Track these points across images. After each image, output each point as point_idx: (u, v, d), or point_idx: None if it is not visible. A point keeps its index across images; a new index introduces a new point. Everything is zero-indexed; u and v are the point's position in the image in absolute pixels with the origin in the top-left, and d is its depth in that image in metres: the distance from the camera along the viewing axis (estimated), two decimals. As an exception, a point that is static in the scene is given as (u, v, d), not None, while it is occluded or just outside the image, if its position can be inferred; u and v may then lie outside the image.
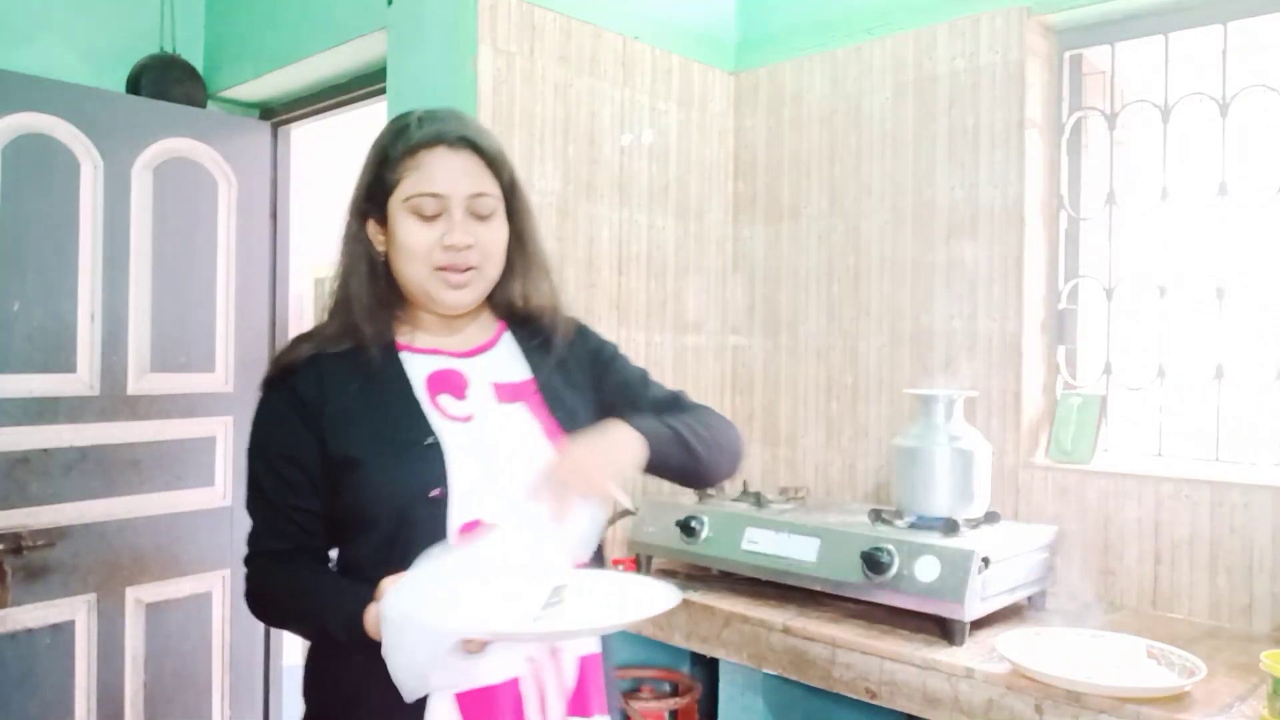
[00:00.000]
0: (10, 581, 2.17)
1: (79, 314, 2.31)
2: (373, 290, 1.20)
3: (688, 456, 1.24)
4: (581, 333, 1.37)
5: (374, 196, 1.20)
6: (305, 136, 2.87)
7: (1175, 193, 2.00)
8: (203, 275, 2.56)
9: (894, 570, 1.66)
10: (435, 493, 1.12)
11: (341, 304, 1.22)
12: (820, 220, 2.39)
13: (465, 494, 1.13)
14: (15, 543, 2.18)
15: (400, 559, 1.06)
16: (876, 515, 1.85)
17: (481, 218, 1.18)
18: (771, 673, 1.77)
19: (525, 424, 1.22)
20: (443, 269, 1.17)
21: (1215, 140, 1.94)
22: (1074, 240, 2.14)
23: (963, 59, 2.13)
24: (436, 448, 1.14)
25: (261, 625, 2.69)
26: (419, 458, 1.13)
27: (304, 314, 2.97)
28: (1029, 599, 1.80)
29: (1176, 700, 1.36)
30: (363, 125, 2.90)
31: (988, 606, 1.64)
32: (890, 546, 1.67)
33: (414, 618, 0.97)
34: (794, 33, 2.44)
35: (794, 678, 1.72)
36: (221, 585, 2.60)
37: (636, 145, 2.30)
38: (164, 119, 2.47)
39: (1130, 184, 2.09)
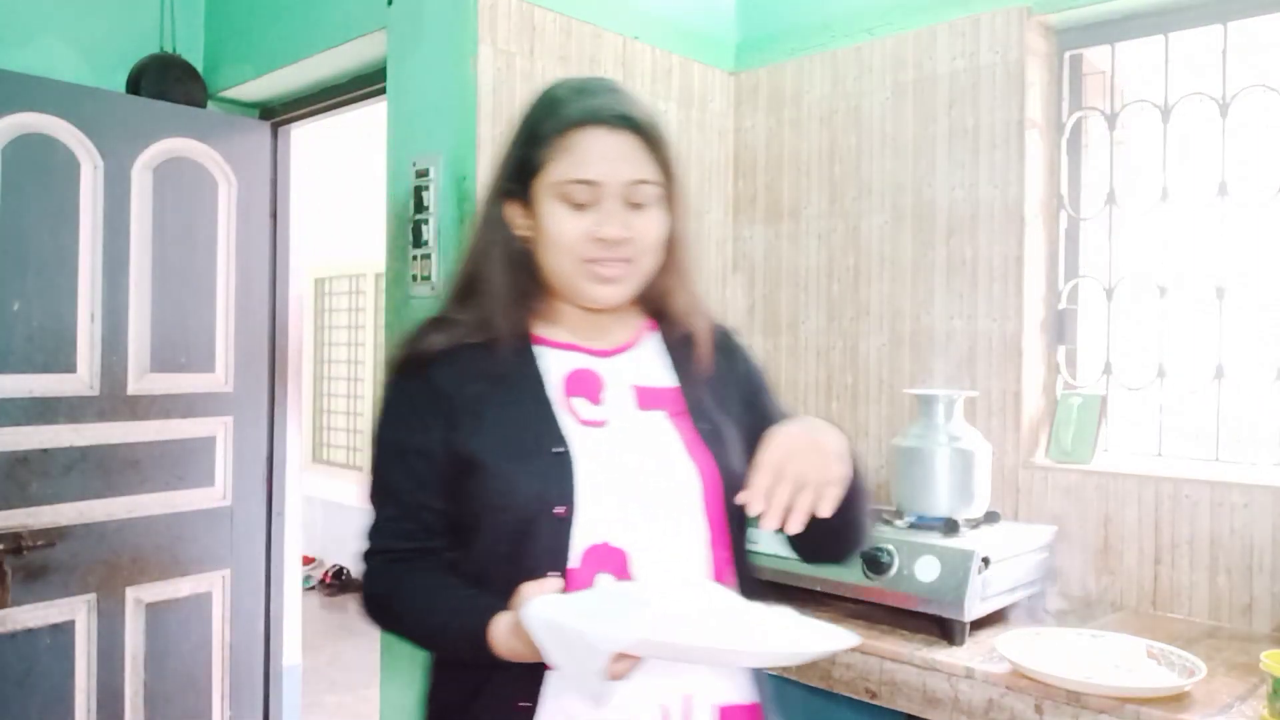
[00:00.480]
0: (10, 581, 2.17)
1: (79, 314, 2.31)
2: (513, 280, 1.09)
3: (858, 504, 1.06)
4: (734, 344, 1.22)
5: (519, 176, 1.08)
6: (305, 136, 2.87)
7: (1175, 193, 2.00)
8: (203, 275, 2.56)
9: (894, 570, 1.66)
10: (559, 510, 1.01)
11: (475, 293, 1.11)
12: (820, 220, 2.39)
13: (592, 513, 1.02)
14: (15, 543, 2.18)
15: (517, 575, 0.98)
16: (876, 515, 1.85)
17: (638, 206, 1.05)
18: (771, 673, 1.77)
19: (665, 435, 1.09)
20: (592, 261, 1.05)
21: (1215, 140, 1.94)
22: (1074, 240, 2.14)
23: (963, 59, 2.13)
24: (565, 457, 1.03)
25: (262, 625, 2.70)
26: (544, 468, 1.03)
27: (304, 314, 2.97)
28: (1029, 599, 1.80)
29: (1176, 700, 1.36)
30: (363, 125, 2.91)
31: (988, 606, 1.64)
32: (890, 546, 1.67)
33: (564, 624, 0.86)
34: (794, 33, 2.44)
35: (794, 678, 1.72)
36: (221, 585, 2.60)
37: (636, 145, 2.30)
38: (164, 119, 2.47)
39: (1130, 184, 2.09)
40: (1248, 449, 1.92)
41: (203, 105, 2.65)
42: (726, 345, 1.21)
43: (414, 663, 1.99)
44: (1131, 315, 2.08)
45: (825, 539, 1.09)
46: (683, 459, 1.07)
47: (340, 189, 5.91)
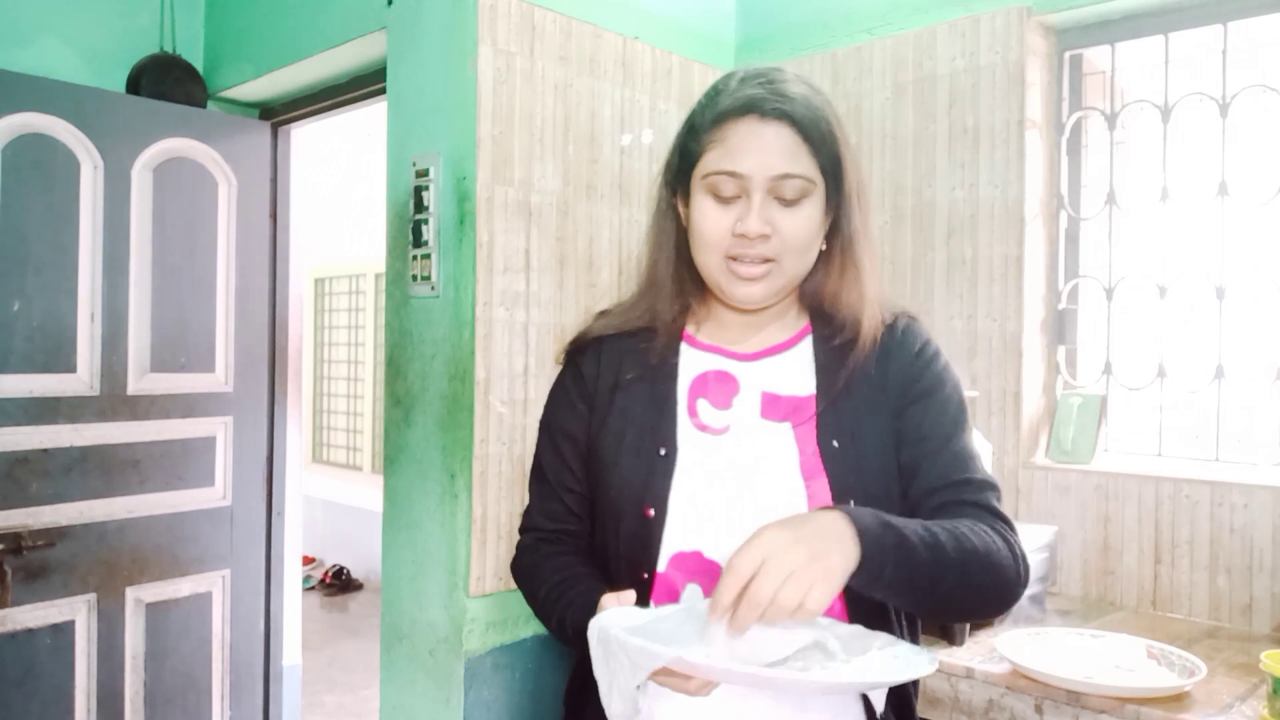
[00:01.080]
0: (10, 581, 2.17)
1: (79, 314, 2.31)
2: (674, 273, 1.09)
3: (909, 580, 0.89)
4: (905, 345, 1.08)
5: (680, 168, 1.06)
6: (305, 136, 2.87)
7: (1175, 193, 2.00)
8: (203, 275, 2.56)
9: (894, 570, 1.65)
10: (649, 511, 1.01)
11: (646, 286, 1.12)
12: (820, 220, 2.39)
13: (685, 520, 1.00)
14: (15, 543, 2.18)
15: (618, 568, 1.00)
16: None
17: (787, 202, 1.00)
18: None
19: (782, 449, 1.02)
20: (733, 259, 1.01)
21: (1215, 140, 1.94)
22: (1074, 240, 2.14)
23: (963, 59, 2.13)
24: (667, 460, 1.02)
25: (262, 625, 2.70)
26: (646, 467, 1.02)
27: (304, 314, 2.97)
28: (1029, 599, 1.80)
29: (1176, 700, 1.36)
30: (363, 125, 2.91)
31: (988, 606, 1.64)
32: (890, 546, 1.67)
33: (611, 635, 0.85)
34: (794, 33, 2.44)
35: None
36: (221, 585, 2.60)
37: (636, 145, 2.30)
38: (164, 119, 2.47)
39: (1130, 184, 2.09)
40: (1248, 449, 1.92)
41: (203, 105, 2.65)
42: (889, 347, 1.08)
43: (414, 663, 1.99)
44: (1131, 315, 2.08)
45: (914, 609, 1.04)
46: (792, 476, 1.01)
47: (340, 189, 5.92)
